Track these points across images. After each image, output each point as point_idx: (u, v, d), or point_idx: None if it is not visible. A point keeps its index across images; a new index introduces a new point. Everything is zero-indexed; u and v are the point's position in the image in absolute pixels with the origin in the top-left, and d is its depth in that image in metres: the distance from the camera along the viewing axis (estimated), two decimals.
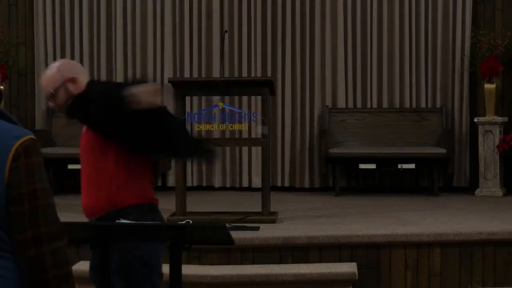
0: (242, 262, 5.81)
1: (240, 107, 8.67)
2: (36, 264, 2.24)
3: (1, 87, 8.55)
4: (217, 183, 8.98)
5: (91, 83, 3.73)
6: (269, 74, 8.87)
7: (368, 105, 8.96)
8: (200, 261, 5.75)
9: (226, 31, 7.94)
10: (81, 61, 9.08)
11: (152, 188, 3.60)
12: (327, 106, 8.93)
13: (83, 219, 3.64)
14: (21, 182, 2.26)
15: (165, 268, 3.39)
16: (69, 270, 2.29)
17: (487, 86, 8.43)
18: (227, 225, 5.67)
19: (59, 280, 2.25)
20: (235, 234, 3.52)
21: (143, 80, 3.64)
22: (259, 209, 6.57)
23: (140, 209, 3.47)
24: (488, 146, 8.35)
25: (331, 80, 8.95)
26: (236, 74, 8.91)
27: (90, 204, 3.54)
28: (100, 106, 3.52)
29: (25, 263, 2.24)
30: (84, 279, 5.38)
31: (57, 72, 3.74)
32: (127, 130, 3.44)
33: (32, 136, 2.31)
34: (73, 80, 3.70)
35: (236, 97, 8.78)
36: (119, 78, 8.99)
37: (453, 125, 8.84)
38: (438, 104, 8.88)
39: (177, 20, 9.05)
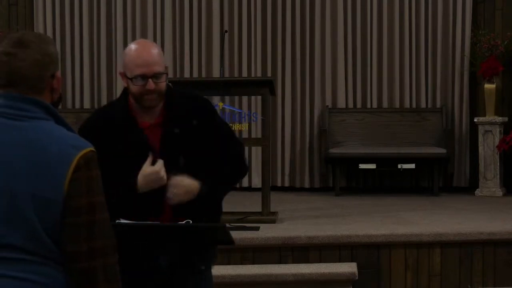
0: (242, 262, 5.80)
1: (240, 107, 8.68)
2: (88, 277, 2.21)
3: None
4: None
5: (170, 89, 3.33)
6: (269, 74, 8.87)
7: (368, 105, 8.96)
8: None
9: (226, 31, 7.94)
10: (81, 61, 9.09)
11: None
12: (327, 106, 8.92)
13: None
14: (81, 193, 2.22)
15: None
16: (120, 287, 2.27)
17: (487, 86, 8.42)
18: (227, 225, 5.66)
19: None
20: (235, 234, 3.51)
21: None
22: (259, 209, 6.57)
23: None
24: (488, 146, 8.35)
25: (331, 80, 8.95)
26: (236, 74, 8.90)
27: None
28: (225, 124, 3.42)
29: (76, 276, 2.22)
30: None
31: (161, 53, 3.30)
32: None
33: (92, 148, 2.28)
34: (166, 70, 3.31)
35: (236, 97, 8.78)
36: (120, 78, 8.97)
37: (453, 125, 8.84)
38: (438, 104, 8.88)
39: (177, 20, 9.06)
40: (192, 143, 3.24)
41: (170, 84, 3.35)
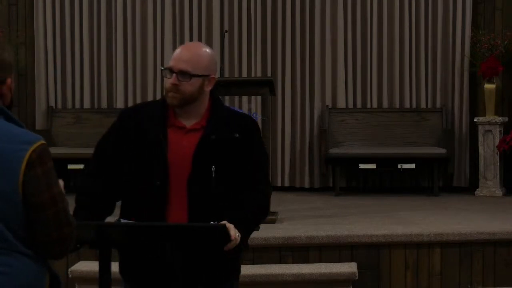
0: (242, 262, 5.79)
1: (240, 107, 8.67)
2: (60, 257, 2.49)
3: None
4: None
5: (218, 101, 3.29)
6: (269, 74, 8.87)
7: (368, 105, 8.96)
8: None
9: (226, 31, 7.94)
10: (81, 61, 9.09)
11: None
12: (327, 106, 8.92)
13: None
14: (41, 190, 2.36)
15: None
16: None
17: (487, 86, 8.42)
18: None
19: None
20: None
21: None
22: None
23: None
24: (488, 146, 8.35)
25: (331, 80, 8.95)
26: (236, 74, 8.90)
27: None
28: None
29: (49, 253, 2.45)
30: (83, 279, 5.38)
31: (209, 58, 3.19)
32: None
33: (43, 141, 2.40)
34: (213, 81, 3.24)
35: (236, 97, 8.77)
36: (120, 78, 8.99)
37: (453, 125, 8.84)
38: (438, 104, 8.89)
39: (177, 20, 9.06)
40: (229, 155, 3.14)
41: (219, 97, 3.32)
